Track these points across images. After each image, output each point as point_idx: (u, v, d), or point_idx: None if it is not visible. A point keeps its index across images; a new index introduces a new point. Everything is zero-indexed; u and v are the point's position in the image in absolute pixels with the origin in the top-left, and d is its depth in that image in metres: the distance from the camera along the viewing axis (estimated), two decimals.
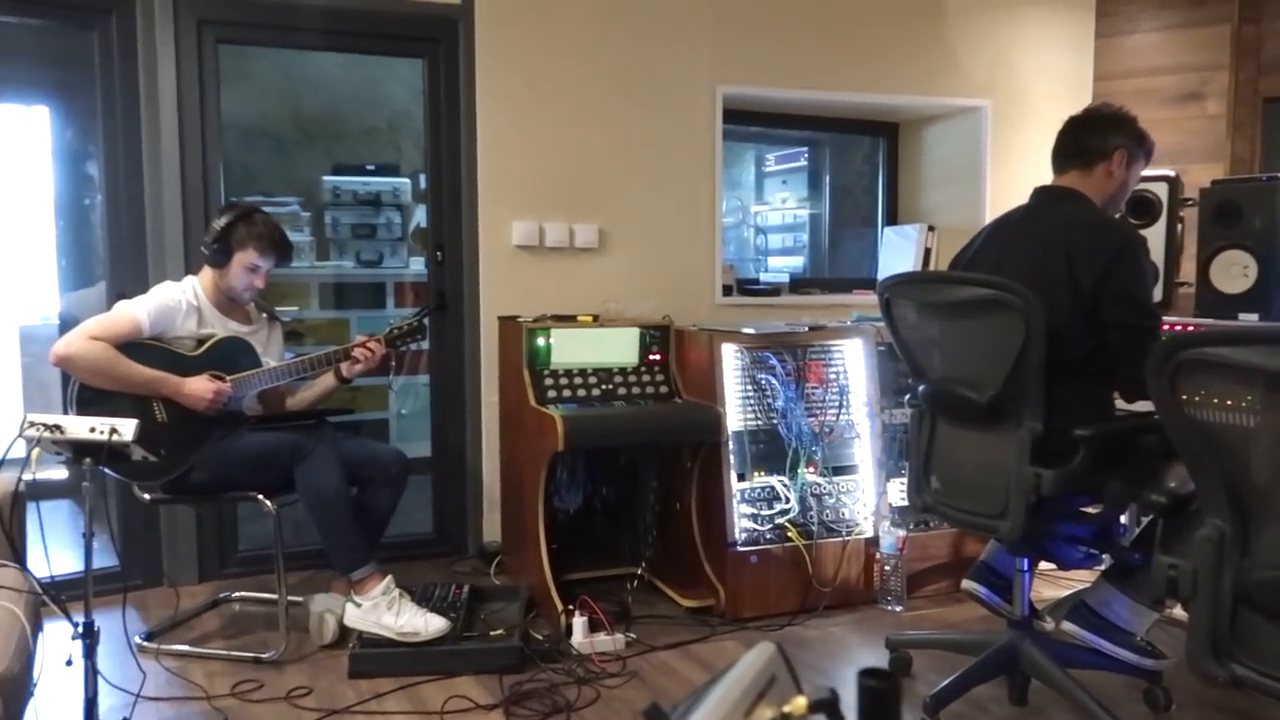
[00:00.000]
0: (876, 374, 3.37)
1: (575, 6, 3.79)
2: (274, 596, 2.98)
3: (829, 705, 0.58)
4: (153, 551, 3.45)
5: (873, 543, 3.30)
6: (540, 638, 2.94)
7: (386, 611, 2.77)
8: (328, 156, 5.22)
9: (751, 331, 3.26)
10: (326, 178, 4.95)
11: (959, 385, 2.39)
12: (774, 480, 3.20)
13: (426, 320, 3.22)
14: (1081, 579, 3.06)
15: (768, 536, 3.18)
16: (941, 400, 2.49)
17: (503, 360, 3.57)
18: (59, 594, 2.17)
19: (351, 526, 2.81)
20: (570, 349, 3.32)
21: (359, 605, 2.79)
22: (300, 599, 3.06)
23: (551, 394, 3.24)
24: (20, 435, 2.08)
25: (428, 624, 2.77)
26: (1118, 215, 2.83)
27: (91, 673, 2.13)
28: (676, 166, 3.99)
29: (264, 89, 5.12)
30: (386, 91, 5.22)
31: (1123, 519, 2.74)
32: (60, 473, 3.48)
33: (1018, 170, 4.35)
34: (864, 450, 3.33)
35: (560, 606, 3.00)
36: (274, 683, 2.68)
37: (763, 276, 4.81)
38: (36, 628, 2.02)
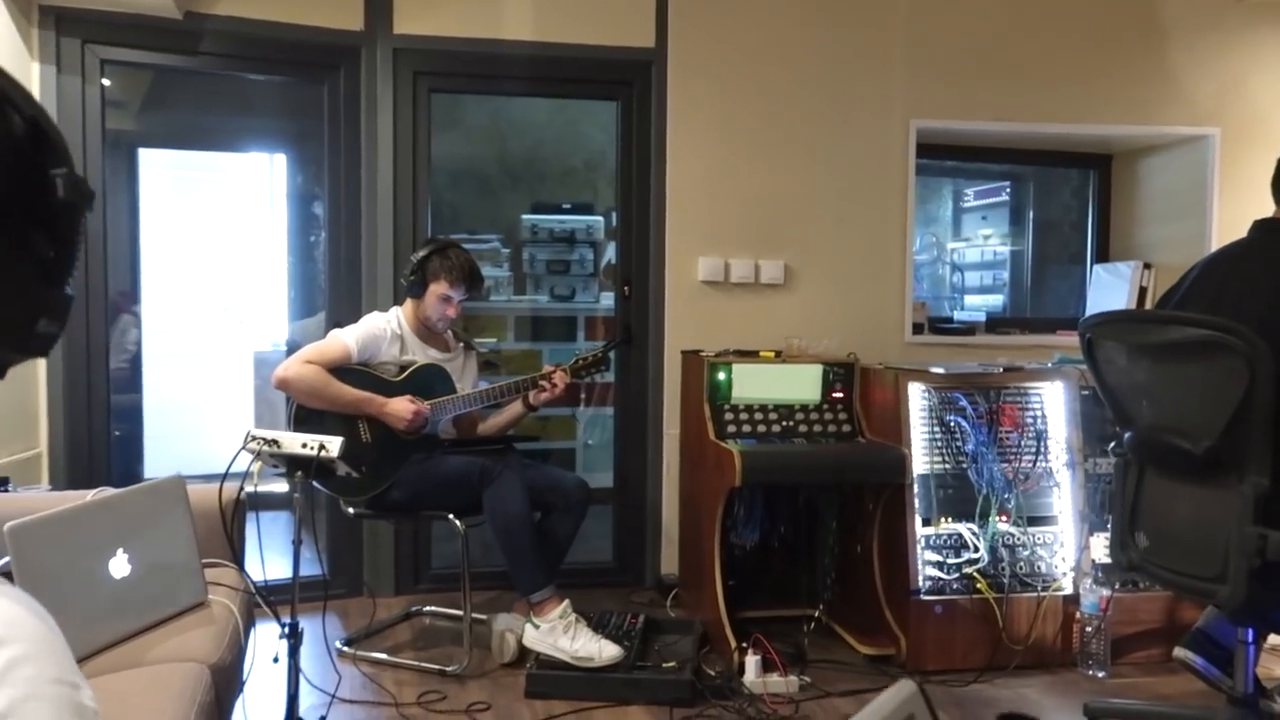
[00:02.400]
0: (1078, 420, 3.15)
1: (764, 45, 3.82)
2: (461, 613, 3.12)
3: None
4: (355, 564, 3.69)
5: (1072, 601, 3.07)
6: (712, 673, 2.91)
7: (563, 635, 2.84)
8: (529, 196, 5.48)
9: (941, 370, 3.13)
10: (525, 216, 5.19)
11: (1170, 434, 2.20)
12: (962, 527, 3.05)
13: (611, 353, 3.30)
14: None
15: (954, 586, 3.03)
16: (1150, 450, 2.30)
17: (684, 394, 3.60)
18: (270, 596, 2.36)
19: (533, 550, 2.90)
20: (751, 384, 3.31)
21: (537, 627, 2.87)
22: (485, 617, 3.19)
23: (731, 429, 3.24)
24: (244, 448, 2.29)
25: (602, 650, 2.81)
26: None
27: (294, 671, 2.30)
28: (867, 202, 3.92)
29: (472, 134, 5.45)
30: (585, 133, 5.44)
31: None
32: (281, 486, 3.80)
33: (1249, 204, 3.96)
34: (1064, 501, 3.12)
35: (734, 643, 2.97)
36: (456, 695, 2.80)
37: (957, 315, 4.62)
38: (249, 625, 2.20)
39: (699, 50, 3.78)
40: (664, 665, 2.90)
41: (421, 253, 3.09)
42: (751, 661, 2.85)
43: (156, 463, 4.15)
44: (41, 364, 3.23)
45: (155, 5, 3.19)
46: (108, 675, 1.69)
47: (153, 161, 5.32)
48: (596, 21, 3.72)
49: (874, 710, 0.55)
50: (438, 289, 3.07)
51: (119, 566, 1.85)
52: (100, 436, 3.36)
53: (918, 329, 4.05)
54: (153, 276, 5.14)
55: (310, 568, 3.71)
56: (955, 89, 3.96)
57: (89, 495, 2.08)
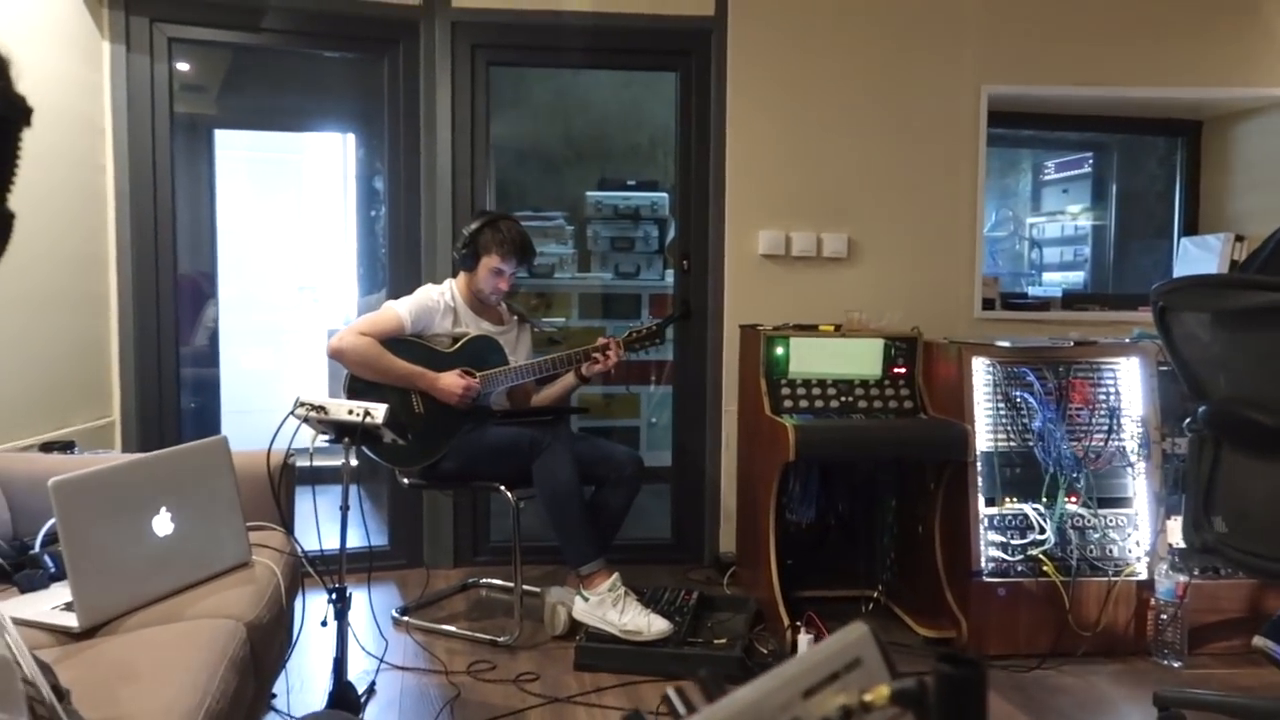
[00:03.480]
0: (1156, 397, 2.99)
1: (827, 11, 3.71)
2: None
3: (913, 698, 0.49)
4: (416, 536, 3.74)
5: (1146, 586, 2.92)
6: (764, 651, 2.86)
7: (612, 608, 2.82)
8: (594, 173, 5.46)
9: (1006, 344, 3.00)
10: (590, 193, 5.17)
11: (1249, 407, 2.07)
12: (1027, 508, 2.92)
13: (666, 327, 3.26)
14: None
15: (1019, 569, 2.91)
16: (1226, 424, 2.16)
17: (742, 369, 3.54)
18: (329, 568, 2.37)
19: (582, 522, 2.88)
20: (809, 358, 3.23)
21: (586, 599, 2.86)
22: (538, 589, 3.19)
23: (788, 403, 3.16)
24: (291, 413, 2.32)
25: (650, 624, 2.79)
26: None
27: (342, 635, 2.32)
28: (935, 173, 3.78)
29: (537, 112, 5.45)
30: (650, 109, 5.38)
31: None
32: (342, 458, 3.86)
33: None
34: (1138, 482, 2.96)
35: (787, 622, 2.91)
36: (506, 666, 2.80)
37: (1030, 291, 4.44)
38: (294, 588, 2.23)
39: (759, 18, 3.69)
40: (715, 642, 2.86)
41: (473, 225, 3.09)
42: (804, 640, 2.78)
43: (233, 435, 4.26)
44: (115, 335, 3.34)
45: None
46: (147, 629, 1.73)
47: (231, 144, 5.46)
48: None
49: (812, 652, 0.50)
50: (489, 261, 3.07)
51: (162, 524, 1.89)
52: (170, 407, 3.46)
53: (988, 304, 3.90)
54: (230, 256, 5.28)
55: (375, 538, 3.77)
56: (1030, 51, 3.78)
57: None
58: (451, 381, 2.95)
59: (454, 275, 3.24)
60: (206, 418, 4.89)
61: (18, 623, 1.75)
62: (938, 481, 3.04)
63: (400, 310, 3.00)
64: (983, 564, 2.90)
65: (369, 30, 3.59)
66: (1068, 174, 4.95)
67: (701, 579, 3.64)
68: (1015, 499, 2.93)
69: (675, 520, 3.94)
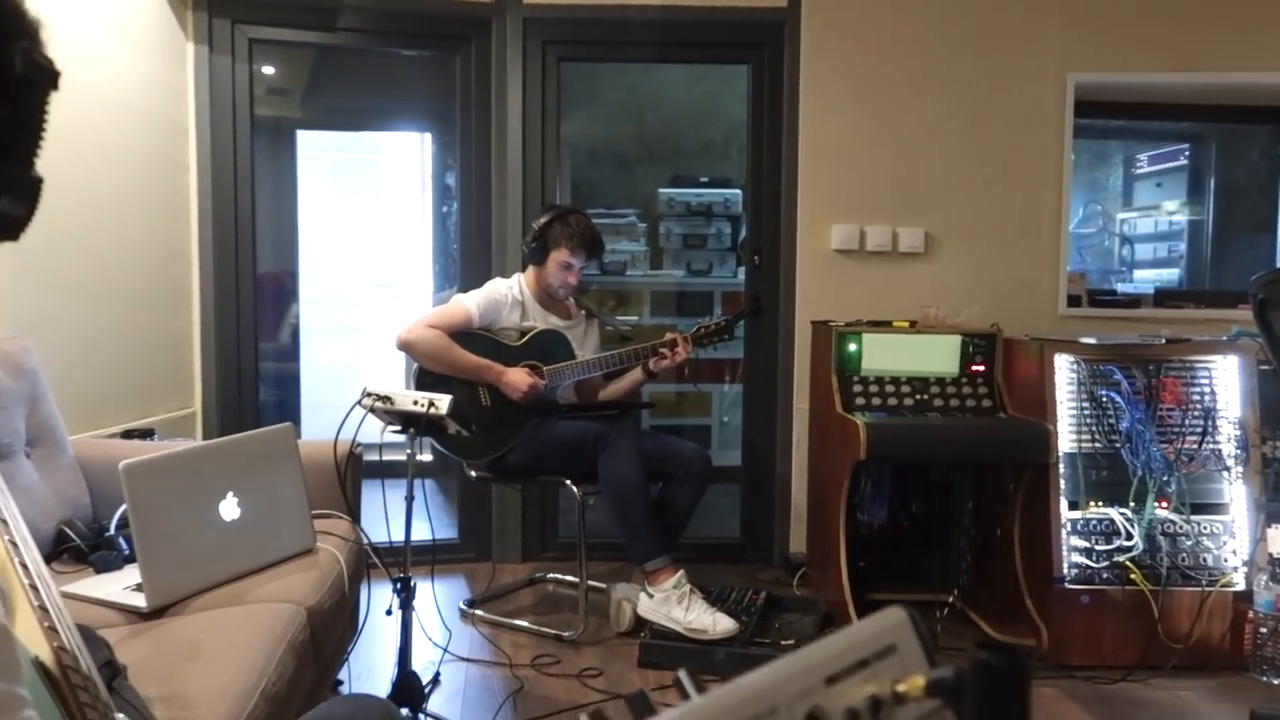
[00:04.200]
0: (1256, 398, 2.82)
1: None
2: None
3: (951, 689, 0.44)
4: (485, 530, 3.75)
5: (1244, 598, 2.76)
6: None
7: (676, 605, 2.78)
8: (667, 170, 5.43)
9: (1091, 341, 2.87)
10: (662, 190, 5.14)
11: None
12: (1113, 512, 2.79)
13: (735, 323, 3.21)
14: None
15: (1104, 576, 2.78)
16: None
17: (814, 366, 3.46)
18: (395, 560, 2.38)
19: (647, 518, 2.85)
20: (882, 355, 3.14)
21: (651, 596, 2.83)
22: (604, 585, 3.17)
23: (860, 401, 3.08)
24: (358, 403, 2.34)
25: (716, 623, 2.74)
26: None
27: (406, 624, 2.33)
28: (1018, 165, 3.65)
29: (611, 110, 5.44)
30: (724, 106, 5.33)
31: None
32: (425, 455, 3.90)
33: None
34: (1235, 487, 2.80)
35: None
36: (570, 660, 2.79)
37: (1120, 288, 4.25)
38: (358, 576, 2.25)
39: (834, 7, 3.61)
40: (782, 643, 2.80)
41: (543, 219, 3.09)
42: None
43: (311, 428, 4.35)
44: (197, 329, 3.43)
45: None
46: (210, 611, 1.76)
47: (314, 145, 5.59)
48: None
49: (841, 636, 0.46)
50: (558, 255, 3.06)
51: (229, 509, 1.92)
52: (249, 398, 3.55)
53: (1074, 301, 3.74)
54: (312, 255, 5.41)
55: (444, 531, 3.81)
56: (1121, 37, 3.62)
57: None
58: (518, 377, 2.95)
59: (523, 269, 3.24)
60: (286, 411, 5.00)
61: (90, 601, 1.79)
62: (1017, 483, 2.93)
63: (469, 303, 3.01)
64: (1065, 570, 2.78)
65: (442, 28, 3.62)
66: (1162, 167, 4.72)
67: (770, 579, 3.58)
68: (1100, 503, 2.80)
69: (745, 520, 3.88)
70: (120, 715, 0.94)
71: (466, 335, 2.99)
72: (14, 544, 0.85)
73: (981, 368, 3.13)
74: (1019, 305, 3.55)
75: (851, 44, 3.61)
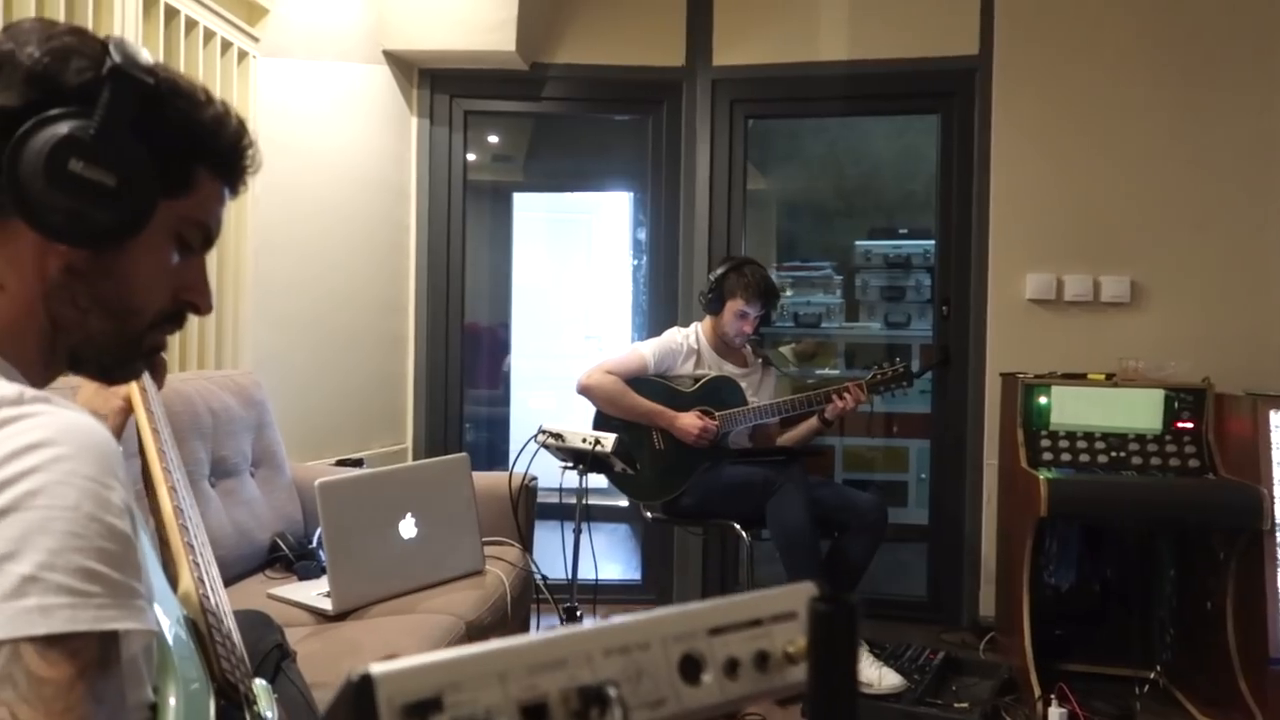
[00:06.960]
0: None
1: (1104, 38, 3.46)
2: None
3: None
4: (667, 572, 3.84)
5: None
6: None
7: None
8: (866, 223, 5.41)
9: None
10: (859, 242, 5.12)
11: None
12: None
13: (921, 374, 3.15)
14: None
15: None
16: None
17: (1002, 419, 3.33)
18: (573, 600, 2.52)
19: (813, 566, 2.83)
20: (1074, 409, 2.98)
21: None
22: None
23: (1047, 456, 2.93)
24: (533, 438, 2.52)
25: (882, 678, 2.68)
26: None
27: None
28: (1237, 208, 3.38)
29: (811, 165, 5.51)
30: (925, 156, 5.26)
31: None
32: (622, 500, 4.06)
33: None
34: None
35: (1038, 693, 2.67)
36: None
37: None
38: (523, 599, 2.40)
39: (1028, 52, 3.52)
40: (955, 705, 2.68)
41: (719, 270, 3.19)
42: (1056, 713, 2.54)
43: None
44: (410, 372, 3.79)
45: (507, 59, 3.64)
46: (382, 618, 1.95)
47: (531, 206, 6.03)
48: (915, 32, 3.61)
49: (752, 595, 0.52)
50: (734, 305, 3.14)
51: (407, 528, 2.13)
52: (454, 437, 3.85)
53: None
54: (526, 308, 5.80)
55: (631, 572, 3.93)
56: None
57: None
58: (690, 421, 3.04)
59: (701, 319, 3.35)
60: (495, 452, 5.35)
61: (288, 603, 2.04)
62: (1229, 551, 2.68)
63: (645, 351, 3.15)
64: None
65: (638, 93, 3.85)
66: None
67: (956, 641, 3.42)
68: None
69: (932, 579, 3.75)
70: (259, 680, 1.09)
71: (642, 381, 3.12)
72: (179, 508, 1.03)
73: (1190, 425, 2.89)
74: (1238, 359, 3.25)
75: (1047, 86, 3.50)
